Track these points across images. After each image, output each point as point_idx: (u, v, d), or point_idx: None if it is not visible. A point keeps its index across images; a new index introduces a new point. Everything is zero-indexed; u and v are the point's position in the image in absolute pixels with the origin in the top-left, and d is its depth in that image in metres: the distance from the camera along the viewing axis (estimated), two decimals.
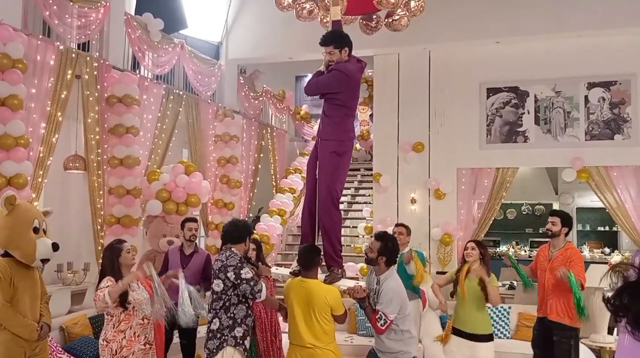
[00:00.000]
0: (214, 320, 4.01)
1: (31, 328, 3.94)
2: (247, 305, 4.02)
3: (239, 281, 3.91)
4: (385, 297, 4.13)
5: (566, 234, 5.22)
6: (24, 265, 4.00)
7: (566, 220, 5.21)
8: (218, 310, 4.00)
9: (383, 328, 4.09)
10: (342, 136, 4.62)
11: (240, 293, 3.96)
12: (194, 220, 6.17)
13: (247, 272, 3.93)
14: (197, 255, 5.76)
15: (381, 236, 4.39)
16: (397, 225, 6.51)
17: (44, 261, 4.11)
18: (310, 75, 4.94)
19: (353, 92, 4.69)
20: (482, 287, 4.78)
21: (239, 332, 3.95)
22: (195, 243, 5.98)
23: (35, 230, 4.03)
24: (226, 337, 3.93)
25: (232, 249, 4.12)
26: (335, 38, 4.66)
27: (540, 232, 13.72)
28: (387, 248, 4.27)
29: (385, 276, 4.25)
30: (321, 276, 4.41)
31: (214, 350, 3.98)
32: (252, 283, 3.93)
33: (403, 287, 4.32)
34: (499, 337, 6.89)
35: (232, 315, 3.96)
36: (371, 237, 4.62)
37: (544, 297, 5.16)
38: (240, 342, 3.95)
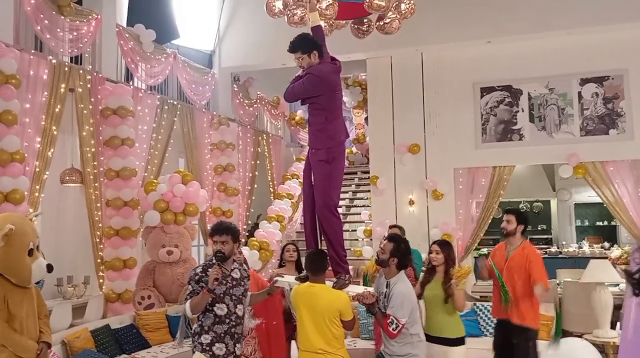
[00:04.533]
0: (194, 324, 4.22)
1: (30, 348, 3.90)
2: (214, 313, 4.06)
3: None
4: (396, 301, 4.10)
5: (522, 232, 5.04)
6: (17, 285, 3.95)
7: (521, 218, 5.04)
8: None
9: (395, 332, 4.06)
10: (327, 143, 4.56)
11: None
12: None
13: (187, 289, 4.09)
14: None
15: (394, 238, 4.36)
16: (391, 226, 6.41)
17: (37, 282, 4.09)
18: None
19: (332, 94, 4.58)
20: (445, 290, 4.60)
21: (205, 338, 4.05)
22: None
23: (30, 252, 3.98)
24: (195, 343, 4.10)
25: (209, 260, 4.18)
26: (301, 43, 4.59)
27: (539, 229, 13.76)
28: (400, 250, 4.24)
29: (395, 280, 4.21)
30: (328, 283, 4.39)
31: (192, 352, 4.18)
32: (184, 300, 4.07)
33: (413, 291, 4.29)
34: (487, 337, 6.86)
35: (200, 322, 4.09)
36: (384, 238, 4.55)
37: (499, 298, 4.99)
38: (207, 348, 4.04)
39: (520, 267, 4.83)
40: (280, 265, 5.80)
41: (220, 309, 4.08)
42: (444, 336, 4.62)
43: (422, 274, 5.57)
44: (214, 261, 4.13)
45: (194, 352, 4.12)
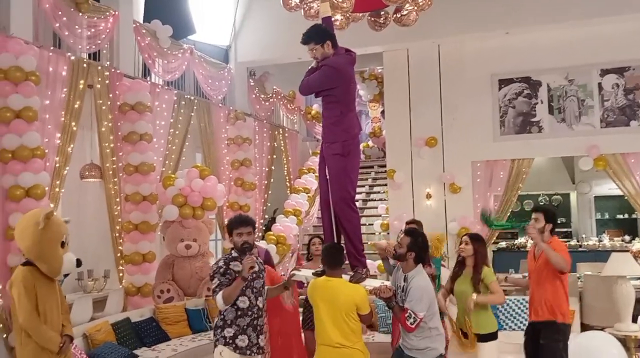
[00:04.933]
0: (215, 317, 4.29)
1: (54, 340, 4.00)
2: (236, 306, 4.11)
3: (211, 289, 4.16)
4: (415, 295, 4.07)
5: (551, 231, 4.93)
6: (45, 276, 4.07)
7: (550, 216, 4.93)
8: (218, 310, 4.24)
9: (413, 326, 4.04)
10: (342, 136, 4.51)
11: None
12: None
13: (214, 282, 4.11)
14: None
15: (411, 232, 4.32)
16: (408, 222, 6.21)
17: (65, 275, 4.17)
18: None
19: (347, 86, 4.53)
20: (474, 284, 4.55)
21: (229, 332, 4.10)
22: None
23: (62, 245, 4.13)
24: (218, 336, 4.14)
25: (228, 255, 4.23)
26: (314, 34, 4.54)
27: (558, 222, 13.59)
28: (417, 244, 4.19)
29: (413, 273, 4.18)
30: (345, 276, 4.38)
31: (214, 346, 4.23)
32: (212, 294, 4.13)
33: (431, 284, 4.26)
34: (521, 329, 6.82)
35: (223, 316, 4.14)
36: (401, 232, 4.51)
37: (532, 299, 4.94)
38: (230, 341, 4.09)
39: (548, 263, 4.74)
40: (308, 259, 5.82)
41: (243, 302, 4.13)
42: (476, 331, 4.59)
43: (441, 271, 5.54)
44: (233, 254, 4.17)
45: (216, 345, 4.16)
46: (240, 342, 4.10)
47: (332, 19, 5.06)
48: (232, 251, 4.26)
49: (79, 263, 4.22)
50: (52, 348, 3.98)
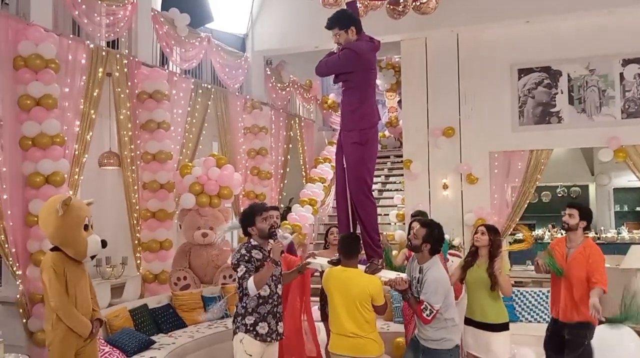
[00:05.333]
0: (236, 306, 4.32)
1: (86, 325, 4.12)
2: (258, 294, 4.16)
3: (236, 279, 4.19)
4: (430, 287, 4.05)
5: (585, 229, 4.82)
6: (74, 260, 4.18)
7: (585, 213, 4.81)
8: (238, 298, 4.28)
9: (429, 318, 4.03)
10: (361, 124, 4.47)
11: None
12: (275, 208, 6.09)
13: (241, 269, 4.13)
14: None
15: (427, 223, 4.29)
16: (413, 215, 5.96)
17: (92, 257, 4.31)
18: None
19: (366, 72, 4.49)
20: (490, 274, 4.52)
21: (249, 320, 4.17)
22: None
23: (86, 228, 4.22)
24: (239, 324, 4.21)
25: (247, 243, 4.27)
26: (339, 19, 4.53)
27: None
28: (433, 236, 4.17)
29: (428, 265, 4.16)
30: (360, 267, 4.38)
31: (233, 333, 4.30)
32: (241, 281, 4.15)
33: (447, 276, 4.24)
34: (538, 321, 6.80)
35: (244, 304, 4.20)
36: (412, 222, 4.48)
37: (558, 297, 4.83)
38: (251, 328, 4.17)
39: (581, 267, 4.65)
40: (325, 247, 5.84)
41: (264, 290, 4.20)
42: (488, 321, 4.57)
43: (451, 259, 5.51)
44: (253, 243, 4.23)
45: (236, 333, 4.23)
46: (261, 329, 4.17)
47: (350, 1, 5.03)
48: (251, 240, 4.29)
49: (104, 243, 4.31)
50: (83, 332, 4.09)
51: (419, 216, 5.71)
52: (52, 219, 4.10)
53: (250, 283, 4.08)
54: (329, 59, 4.56)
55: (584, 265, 4.65)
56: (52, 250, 4.20)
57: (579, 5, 8.60)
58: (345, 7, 4.92)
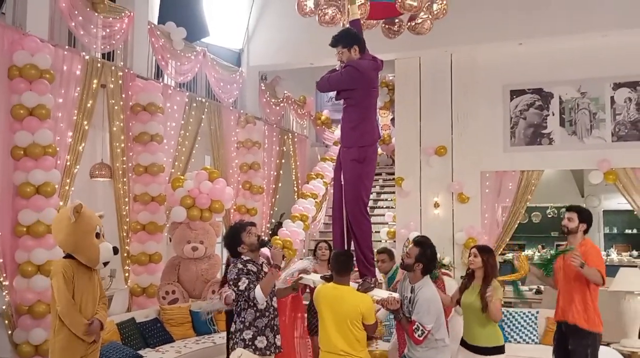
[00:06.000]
0: (233, 323, 4.30)
1: (80, 323, 4.12)
2: (255, 308, 4.17)
3: (239, 293, 4.17)
4: (422, 307, 4.05)
5: (585, 231, 4.79)
6: (86, 267, 4.25)
7: (584, 216, 4.78)
8: (235, 314, 4.28)
9: (421, 339, 4.02)
10: (361, 142, 4.52)
11: (248, 300, 4.18)
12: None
13: (243, 282, 4.13)
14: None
15: (420, 242, 4.28)
16: (379, 251, 5.66)
17: (105, 263, 4.38)
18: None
19: (368, 90, 4.55)
20: (481, 297, 4.46)
21: (247, 334, 4.16)
22: None
23: (97, 236, 4.31)
24: (237, 340, 4.19)
25: (240, 259, 4.26)
26: (343, 38, 4.59)
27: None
28: (425, 256, 4.17)
29: (420, 284, 4.16)
30: (352, 285, 4.36)
31: (230, 350, 4.26)
32: (246, 293, 4.13)
33: (438, 296, 4.23)
34: (527, 342, 6.80)
35: (242, 319, 4.20)
36: (407, 241, 4.50)
37: (558, 298, 4.87)
38: (250, 343, 4.15)
39: (579, 273, 4.61)
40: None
41: (260, 303, 4.17)
42: (478, 345, 4.52)
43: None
44: (244, 258, 4.23)
45: (233, 349, 4.20)
46: (260, 343, 4.17)
47: (354, 20, 5.09)
48: (242, 256, 4.29)
49: (115, 250, 4.41)
50: (78, 330, 4.09)
51: (385, 253, 5.63)
52: (63, 226, 4.19)
53: (258, 291, 4.08)
54: (331, 75, 4.61)
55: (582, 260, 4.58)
56: (65, 257, 4.27)
57: (573, 28, 8.69)
58: (348, 26, 4.95)
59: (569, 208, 4.90)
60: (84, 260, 4.21)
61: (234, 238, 4.33)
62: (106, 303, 4.53)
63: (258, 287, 4.09)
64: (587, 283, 4.67)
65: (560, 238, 13.33)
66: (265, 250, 4.55)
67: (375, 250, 5.05)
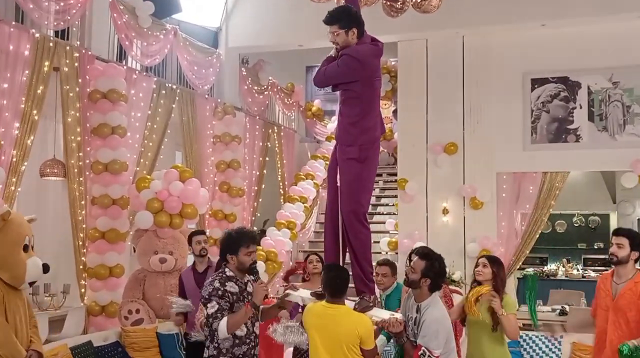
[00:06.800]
0: (206, 348, 4.26)
1: (20, 354, 4.01)
2: (233, 334, 4.14)
3: (206, 316, 4.15)
4: (429, 330, 4.02)
5: (636, 260, 4.67)
6: (10, 286, 4.09)
7: (638, 243, 4.62)
8: (208, 338, 4.25)
9: None
10: (361, 139, 4.49)
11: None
12: (202, 232, 6.49)
13: (212, 306, 4.10)
14: (212, 270, 5.77)
15: (426, 254, 4.24)
16: (379, 264, 5.84)
17: (31, 283, 4.22)
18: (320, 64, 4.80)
19: (369, 81, 4.50)
20: (492, 314, 4.47)
21: None
22: (208, 257, 6.09)
23: (25, 248, 4.15)
24: None
25: (223, 272, 4.25)
26: (342, 15, 4.48)
27: (596, 247, 13.59)
28: (433, 269, 4.14)
29: (427, 303, 4.14)
30: (348, 303, 4.35)
31: None
32: (211, 320, 4.11)
33: (448, 316, 4.23)
34: None
35: (216, 344, 4.17)
36: (412, 253, 4.47)
37: (603, 343, 4.69)
38: None
39: (632, 305, 4.53)
40: (304, 280, 5.79)
41: (240, 330, 4.17)
42: None
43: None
44: (227, 273, 4.22)
45: None
46: None
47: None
48: (226, 269, 4.27)
49: (45, 268, 4.22)
50: None
51: (386, 265, 5.74)
52: None
53: (222, 325, 4.04)
54: (327, 67, 4.55)
55: (636, 303, 4.51)
56: None
57: (604, 9, 8.75)
58: (347, 4, 4.89)
59: (618, 232, 4.78)
60: (6, 277, 4.03)
61: (232, 245, 4.26)
62: (37, 327, 4.38)
63: (224, 319, 4.05)
64: None
65: (590, 251, 13.46)
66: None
67: (374, 263, 5.07)
